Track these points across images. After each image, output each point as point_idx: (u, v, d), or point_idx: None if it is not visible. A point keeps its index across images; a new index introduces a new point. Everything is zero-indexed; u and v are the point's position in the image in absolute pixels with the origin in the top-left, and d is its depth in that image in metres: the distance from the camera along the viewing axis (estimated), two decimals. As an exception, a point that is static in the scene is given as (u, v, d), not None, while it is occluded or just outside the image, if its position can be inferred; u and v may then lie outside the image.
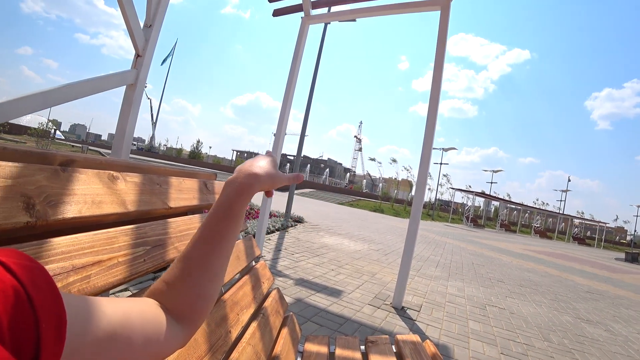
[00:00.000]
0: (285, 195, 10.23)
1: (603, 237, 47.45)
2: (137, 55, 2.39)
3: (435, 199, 38.83)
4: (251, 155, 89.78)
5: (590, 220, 52.94)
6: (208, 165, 49.35)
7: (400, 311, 3.13)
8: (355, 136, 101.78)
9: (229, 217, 0.45)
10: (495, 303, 4.06)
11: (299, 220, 8.09)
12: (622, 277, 10.64)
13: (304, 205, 15.83)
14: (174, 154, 71.76)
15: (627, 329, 4.05)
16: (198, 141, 66.75)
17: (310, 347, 1.13)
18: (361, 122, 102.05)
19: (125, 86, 2.36)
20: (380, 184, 56.12)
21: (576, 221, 52.85)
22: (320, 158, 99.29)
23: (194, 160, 57.25)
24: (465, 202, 40.87)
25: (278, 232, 6.12)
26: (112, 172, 0.63)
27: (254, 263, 1.28)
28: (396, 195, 44.41)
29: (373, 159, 40.06)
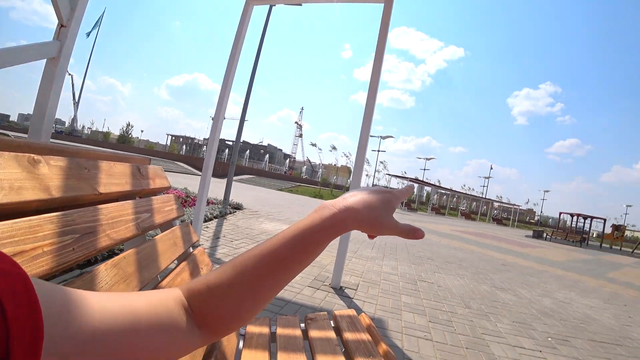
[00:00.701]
0: (223, 182, 9.97)
1: (516, 217, 53.56)
2: (61, 25, 2.12)
3: (373, 184, 40.47)
4: (187, 140, 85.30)
5: (507, 204, 59.11)
6: (140, 150, 45.65)
7: (339, 291, 3.27)
8: (296, 122, 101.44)
9: (306, 248, 0.38)
10: (425, 278, 4.41)
11: (238, 207, 7.96)
12: (529, 251, 12.09)
13: (243, 191, 15.56)
14: (100, 138, 65.07)
15: (530, 293, 4.66)
16: (128, 124, 61.91)
17: (251, 329, 1.15)
18: (302, 108, 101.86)
19: (45, 60, 2.08)
20: (320, 170, 57.03)
21: (496, 204, 58.55)
22: (260, 144, 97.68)
23: (123, 145, 52.47)
24: (400, 188, 43.13)
25: (216, 220, 5.98)
26: (32, 155, 0.59)
27: (191, 249, 1.26)
28: (335, 181, 45.42)
29: (314, 145, 40.43)
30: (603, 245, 30.10)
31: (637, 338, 3.54)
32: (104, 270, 0.64)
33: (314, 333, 1.15)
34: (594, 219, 31.02)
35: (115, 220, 0.76)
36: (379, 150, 37.30)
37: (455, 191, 51.27)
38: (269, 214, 8.28)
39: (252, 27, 4.20)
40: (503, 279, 5.38)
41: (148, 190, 1.05)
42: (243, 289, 0.37)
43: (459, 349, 2.42)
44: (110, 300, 0.28)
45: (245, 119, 8.18)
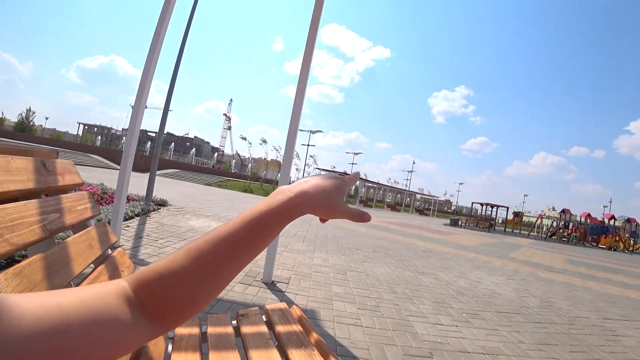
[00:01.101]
0: (145, 177, 9.29)
1: (436, 208, 58.47)
2: None
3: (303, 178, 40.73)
4: (103, 130, 77.33)
5: (428, 195, 64.04)
6: (45, 141, 39.09)
7: (271, 285, 3.27)
8: (224, 114, 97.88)
9: (262, 230, 0.39)
10: (354, 268, 4.59)
11: (162, 204, 7.49)
12: (447, 237, 13.23)
13: (168, 186, 14.67)
14: (-10, 126, 56.09)
15: (448, 275, 5.11)
16: (29, 110, 54.11)
17: (180, 330, 1.10)
18: (231, 100, 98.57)
19: None
20: (250, 164, 55.93)
21: (418, 196, 62.84)
22: (186, 136, 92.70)
23: (23, 134, 44.78)
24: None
25: (138, 218, 5.57)
26: None
27: (110, 251, 1.16)
28: (265, 175, 44.96)
29: (244, 138, 39.27)
30: (506, 229, 34.15)
31: (531, 306, 4.10)
32: (3, 280, 0.56)
33: (246, 329, 1.14)
34: (499, 207, 34.93)
35: (16, 223, 0.67)
36: (308, 145, 37.74)
37: (381, 184, 53.97)
38: (197, 210, 7.94)
39: (178, 8, 3.92)
40: (424, 265, 5.83)
41: (56, 187, 0.94)
42: (199, 274, 0.35)
43: (387, 332, 2.58)
44: (32, 301, 0.25)
45: (170, 108, 7.65)
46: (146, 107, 3.87)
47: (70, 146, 35.85)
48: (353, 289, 3.61)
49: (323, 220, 0.49)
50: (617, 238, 31.40)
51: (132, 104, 3.78)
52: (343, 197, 0.47)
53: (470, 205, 41.13)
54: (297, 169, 46.18)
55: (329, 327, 2.49)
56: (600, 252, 22.43)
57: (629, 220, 34.91)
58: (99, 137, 73.43)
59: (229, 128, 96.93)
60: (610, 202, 59.45)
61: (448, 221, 31.82)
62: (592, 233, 32.25)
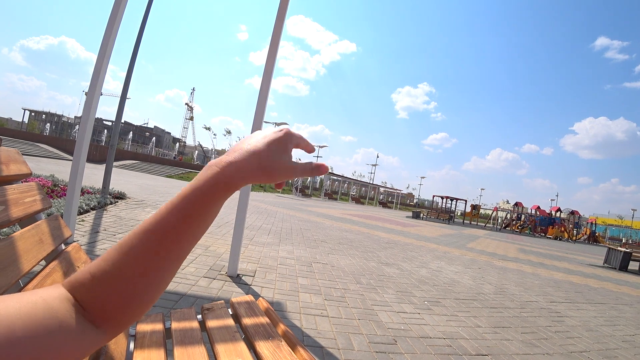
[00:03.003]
0: (101, 168, 8.82)
1: (399, 201, 60.09)
2: None
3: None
4: (53, 118, 72.04)
5: (391, 189, 65.58)
6: None
7: (236, 279, 3.22)
8: (186, 103, 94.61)
9: (190, 215, 0.33)
10: (319, 260, 4.62)
11: (120, 197, 7.14)
12: (409, 229, 13.64)
13: (126, 178, 14.02)
14: None
15: (410, 265, 5.28)
16: (-39, 95, 49.27)
17: (143, 327, 1.06)
18: (194, 89, 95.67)
19: None
20: (213, 156, 54.58)
21: (382, 189, 64.04)
22: (145, 125, 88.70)
23: None
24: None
25: (94, 212, 5.28)
26: None
27: (63, 246, 1.09)
28: (230, 167, 43.96)
29: (208, 128, 38.12)
30: (465, 221, 35.74)
31: (487, 292, 4.33)
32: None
33: (211, 323, 1.11)
34: (458, 200, 36.40)
35: (-46, 216, 0.61)
36: (274, 137, 37.21)
37: (346, 177, 54.59)
38: (158, 203, 7.65)
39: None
40: (388, 255, 5.98)
41: (0, 178, 0.86)
42: (132, 270, 0.32)
43: (352, 321, 2.63)
44: None
45: (128, 96, 7.24)
46: (102, 94, 3.65)
47: (15, 134, 33.08)
48: (319, 280, 3.63)
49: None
50: (563, 229, 33.91)
51: (86, 90, 3.53)
52: (286, 153, 0.40)
53: (431, 198, 42.67)
54: (262, 162, 45.68)
55: (296, 319, 2.50)
56: (547, 242, 24.08)
57: (572, 213, 37.74)
58: (48, 125, 68.44)
59: (191, 118, 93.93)
60: (557, 195, 63.82)
61: (410, 214, 32.78)
62: (541, 224, 34.55)
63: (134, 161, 31.23)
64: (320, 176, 53.72)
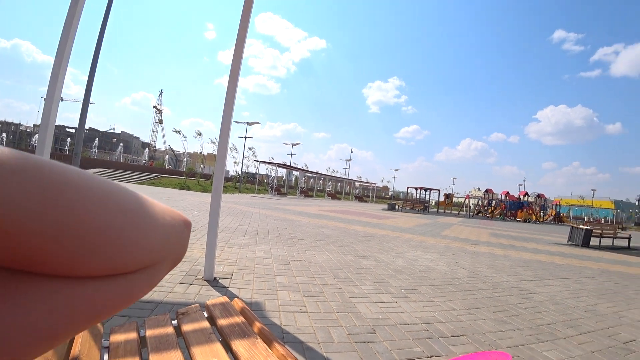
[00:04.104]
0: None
1: (374, 194, 61.01)
2: None
3: (242, 171, 39.81)
4: (9, 127, 67.95)
5: (366, 183, 66.23)
6: None
7: (213, 282, 3.19)
8: (154, 106, 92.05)
9: None
10: (296, 257, 4.64)
11: (87, 207, 6.88)
12: (385, 221, 13.88)
13: (93, 188, 13.49)
14: None
15: (387, 256, 5.39)
16: None
17: (116, 337, 1.05)
18: (161, 91, 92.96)
19: None
20: (185, 159, 53.38)
21: (357, 184, 64.76)
22: (112, 131, 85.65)
23: None
24: (269, 173, 43.70)
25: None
26: None
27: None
28: (202, 170, 43.26)
29: (178, 131, 37.00)
30: (439, 210, 36.68)
31: (461, 277, 4.49)
32: None
33: (187, 327, 1.11)
34: (432, 190, 37.29)
35: None
36: (246, 137, 36.76)
37: (321, 174, 54.70)
38: (129, 211, 7.42)
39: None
40: (365, 248, 6.07)
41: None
42: None
43: (331, 314, 2.67)
44: None
45: (91, 101, 6.99)
46: (62, 100, 3.49)
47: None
48: (297, 277, 3.66)
49: None
50: (531, 211, 35.47)
51: (44, 96, 3.36)
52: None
53: (405, 190, 43.45)
54: (235, 162, 45.04)
55: (275, 317, 2.51)
56: (517, 225, 25.11)
57: (539, 196, 39.53)
58: (3, 135, 64.71)
59: (160, 121, 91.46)
60: (524, 180, 66.47)
61: (386, 206, 33.26)
62: (511, 208, 36.00)
63: (101, 169, 30.06)
64: (295, 173, 53.60)
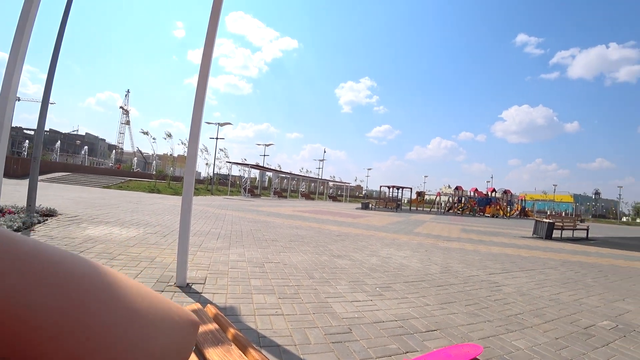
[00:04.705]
0: (24, 184, 8.00)
1: (348, 193, 61.47)
2: None
3: (214, 173, 39.02)
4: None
5: (340, 182, 66.48)
6: None
7: (186, 288, 3.11)
8: (121, 107, 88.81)
9: None
10: (271, 260, 4.60)
11: (50, 214, 6.55)
12: (359, 220, 14.01)
13: (56, 193, 12.86)
14: None
15: (361, 255, 5.44)
16: None
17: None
18: (128, 91, 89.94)
19: None
20: (155, 162, 51.73)
21: (330, 184, 64.91)
22: (75, 133, 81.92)
23: None
24: (242, 175, 43.12)
25: (19, 234, 4.78)
26: None
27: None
28: (173, 173, 42.15)
29: (146, 133, 35.63)
30: (411, 208, 37.42)
31: (434, 272, 4.59)
32: None
33: (157, 336, 1.07)
34: (404, 189, 37.98)
35: None
36: (217, 138, 36.04)
37: (294, 174, 54.48)
38: (94, 218, 7.12)
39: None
40: (339, 248, 6.10)
41: None
42: None
43: (307, 316, 2.66)
44: None
45: (51, 101, 6.64)
46: (18, 99, 3.31)
47: None
48: (272, 280, 3.62)
49: None
50: (498, 207, 36.90)
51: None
52: None
53: (379, 189, 44.02)
54: (207, 164, 44.06)
55: (250, 321, 2.48)
56: (486, 220, 26.02)
57: (505, 192, 41.12)
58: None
59: (128, 122, 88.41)
60: (492, 177, 69.19)
61: (360, 205, 33.58)
62: (480, 204, 37.27)
63: (64, 173, 28.65)
64: (269, 174, 53.17)
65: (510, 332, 2.72)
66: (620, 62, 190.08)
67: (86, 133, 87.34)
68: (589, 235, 13.63)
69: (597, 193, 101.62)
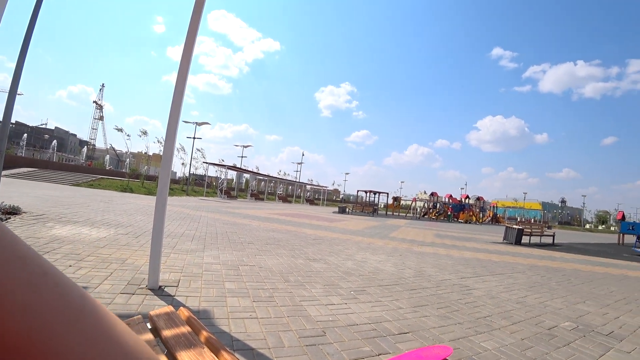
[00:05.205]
0: (-15, 181, 7.61)
1: (325, 197, 61.66)
2: None
3: (190, 173, 38.28)
4: None
5: (317, 186, 66.62)
6: None
7: (158, 291, 3.04)
8: (94, 101, 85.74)
9: None
10: (246, 262, 4.56)
11: (13, 212, 6.25)
12: (336, 224, 14.08)
13: (21, 190, 12.29)
14: None
15: (337, 259, 5.47)
16: None
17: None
18: (103, 85, 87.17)
19: None
20: (128, 159, 50.27)
21: (308, 187, 64.92)
22: (44, 126, 78.44)
23: None
24: (219, 176, 42.49)
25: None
26: None
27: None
28: (147, 172, 41.05)
29: (120, 129, 34.39)
30: (388, 213, 37.95)
31: (407, 276, 4.68)
32: None
33: (127, 340, 1.05)
34: (381, 194, 38.53)
35: None
36: (194, 137, 35.38)
37: (272, 177, 54.18)
38: (61, 216, 6.84)
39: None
40: (315, 251, 6.11)
41: None
42: None
43: (282, 319, 2.66)
44: None
45: (19, 91, 6.32)
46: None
47: None
48: (247, 283, 3.59)
49: None
50: (471, 213, 37.91)
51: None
52: None
53: (356, 193, 44.35)
54: (182, 164, 43.16)
55: (224, 325, 2.45)
56: (459, 226, 26.68)
57: (478, 199, 42.35)
58: None
59: (101, 118, 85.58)
60: (466, 184, 71.15)
61: (337, 209, 33.71)
62: (454, 210, 38.20)
63: (30, 169, 27.37)
64: (246, 176, 52.60)
65: (479, 333, 2.80)
66: (586, 79, 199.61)
67: (55, 127, 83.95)
68: (555, 241, 14.22)
69: (563, 201, 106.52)
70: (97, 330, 0.21)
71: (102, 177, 28.52)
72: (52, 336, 0.18)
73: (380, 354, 2.23)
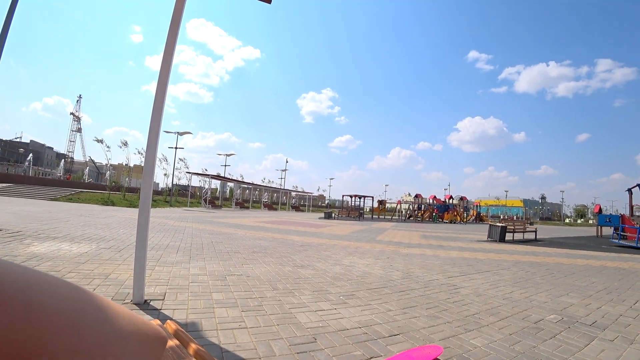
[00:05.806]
0: (-43, 199, 7.31)
1: (311, 203, 61.51)
2: None
3: (173, 184, 37.68)
4: None
5: (302, 192, 66.52)
6: None
7: (144, 305, 2.97)
8: (72, 113, 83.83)
9: None
10: (233, 272, 4.51)
11: (-13, 230, 6.01)
12: (322, 230, 14.07)
13: (-5, 209, 11.83)
14: None
15: (325, 264, 5.46)
16: None
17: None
18: (80, 96, 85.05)
19: None
20: (109, 172, 49.17)
21: (293, 194, 64.75)
22: (18, 140, 76.06)
23: None
24: (202, 186, 41.96)
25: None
26: None
27: None
28: (128, 184, 40.20)
29: (100, 141, 33.57)
30: (373, 216, 38.13)
31: (396, 279, 4.70)
32: None
33: (112, 356, 1.02)
34: (366, 198, 38.63)
35: None
36: (176, 147, 34.90)
37: (257, 185, 53.87)
38: (40, 233, 6.62)
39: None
40: (303, 258, 6.09)
41: None
42: None
43: (272, 327, 2.63)
44: None
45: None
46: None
47: None
48: (234, 292, 3.54)
49: None
50: (455, 213, 38.49)
51: None
52: None
53: (341, 198, 44.48)
54: (165, 174, 42.53)
55: (213, 336, 2.41)
56: (444, 226, 27.04)
57: (462, 198, 43.10)
58: None
59: (79, 130, 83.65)
60: (449, 185, 72.40)
61: (322, 214, 33.69)
62: (439, 211, 38.71)
63: (5, 184, 26.45)
64: (230, 185, 52.12)
65: (468, 331, 2.83)
66: (558, 79, 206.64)
67: (31, 140, 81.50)
68: (538, 237, 14.58)
69: (543, 197, 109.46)
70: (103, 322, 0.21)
71: (81, 191, 27.79)
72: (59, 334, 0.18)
73: (371, 357, 2.22)
